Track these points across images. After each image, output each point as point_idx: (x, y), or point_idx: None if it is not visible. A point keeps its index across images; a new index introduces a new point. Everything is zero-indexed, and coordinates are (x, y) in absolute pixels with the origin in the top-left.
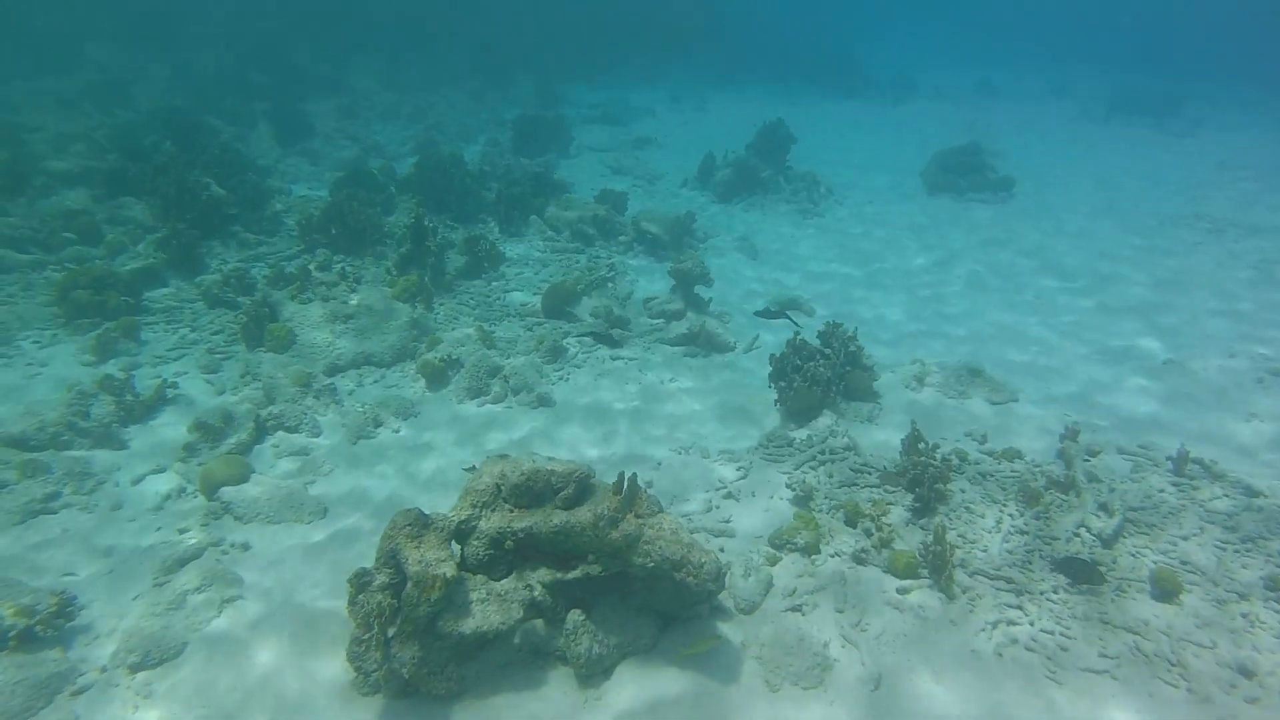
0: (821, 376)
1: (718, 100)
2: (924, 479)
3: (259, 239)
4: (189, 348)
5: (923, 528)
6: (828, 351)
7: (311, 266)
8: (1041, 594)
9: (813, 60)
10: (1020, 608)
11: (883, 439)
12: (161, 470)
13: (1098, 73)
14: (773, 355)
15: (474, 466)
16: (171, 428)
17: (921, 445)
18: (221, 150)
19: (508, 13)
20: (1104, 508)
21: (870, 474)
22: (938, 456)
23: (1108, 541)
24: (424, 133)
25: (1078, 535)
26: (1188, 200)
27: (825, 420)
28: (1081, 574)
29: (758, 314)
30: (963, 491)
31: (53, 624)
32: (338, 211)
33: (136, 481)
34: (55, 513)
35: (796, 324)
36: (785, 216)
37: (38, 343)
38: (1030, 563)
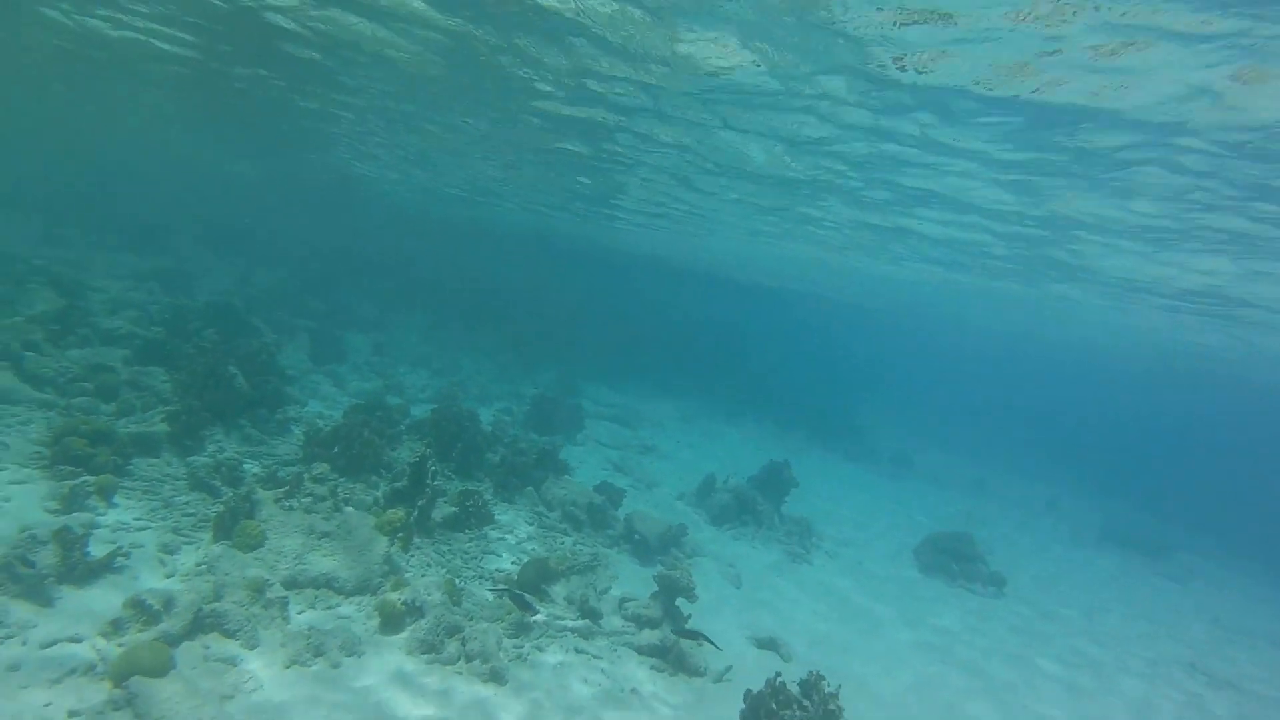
0: None
1: (725, 432)
2: None
3: (262, 438)
4: (156, 523)
5: None
6: (806, 704)
7: (306, 476)
8: None
9: (820, 419)
10: None
11: None
12: (78, 640)
13: (1090, 494)
14: (749, 691)
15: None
16: (107, 599)
17: None
18: (258, 349)
19: (549, 306)
20: None
21: None
22: None
23: None
24: (446, 387)
25: None
26: (1183, 648)
27: None
28: None
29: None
30: None
31: None
32: (345, 432)
33: (47, 645)
34: None
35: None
36: (774, 555)
37: (12, 479)
38: None
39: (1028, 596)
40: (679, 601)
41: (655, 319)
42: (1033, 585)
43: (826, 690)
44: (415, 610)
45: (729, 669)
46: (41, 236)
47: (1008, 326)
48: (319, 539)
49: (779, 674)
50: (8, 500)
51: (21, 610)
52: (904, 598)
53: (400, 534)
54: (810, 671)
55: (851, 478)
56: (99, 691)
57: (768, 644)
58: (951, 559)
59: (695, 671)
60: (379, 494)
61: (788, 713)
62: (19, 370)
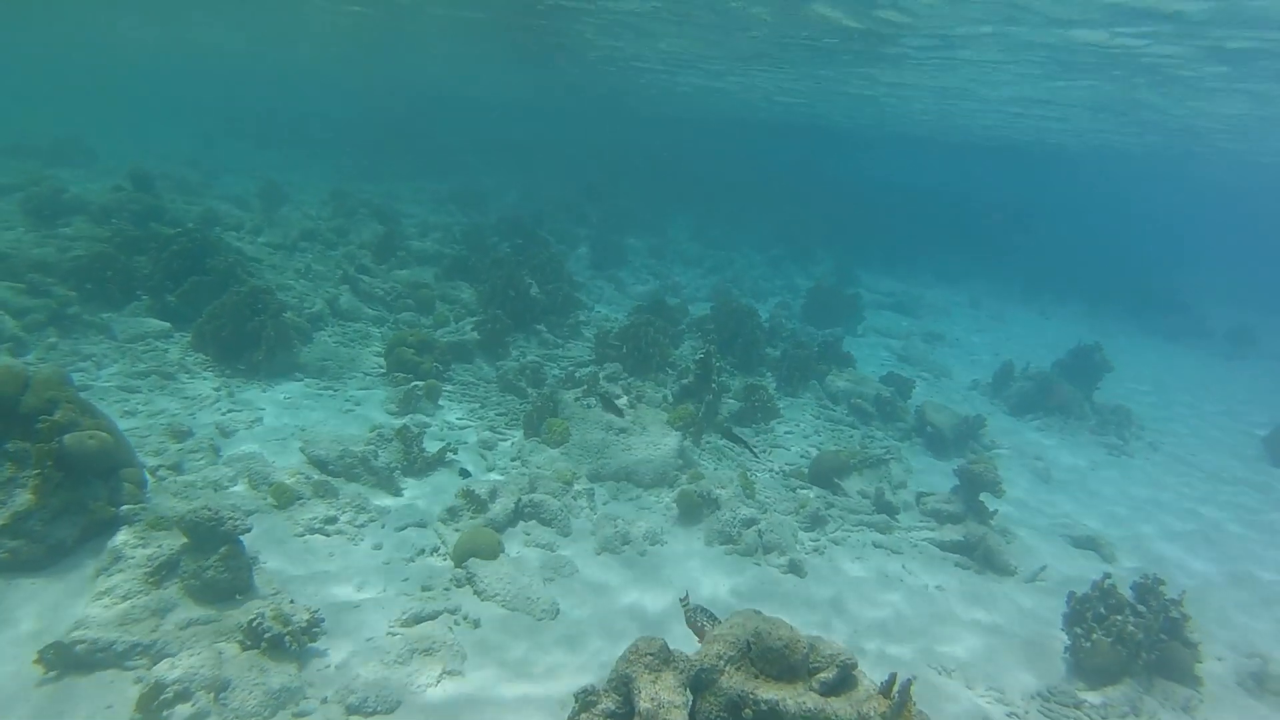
0: (1131, 637)
1: (1019, 315)
2: None
3: (557, 341)
4: (475, 422)
5: None
6: (1142, 610)
7: (600, 375)
8: None
9: (1131, 293)
10: None
11: None
12: (423, 525)
13: None
14: (1073, 594)
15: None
16: (441, 489)
17: None
18: (548, 259)
19: (817, 195)
20: None
21: None
22: None
23: None
24: (720, 283)
25: None
26: None
27: (1124, 690)
28: None
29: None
30: None
31: (299, 638)
32: (633, 332)
33: (400, 528)
34: (328, 535)
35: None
36: (1086, 447)
37: (360, 385)
38: None
39: None
40: (983, 496)
41: (933, 200)
42: None
43: (1168, 597)
44: (711, 502)
45: (1043, 569)
46: (358, 171)
47: None
48: (616, 434)
49: (1108, 575)
50: (358, 404)
51: (379, 498)
52: (1249, 495)
53: (691, 428)
54: (1145, 574)
55: (1177, 360)
56: (444, 569)
57: (1086, 543)
58: None
59: (1005, 570)
60: (667, 391)
61: (1119, 618)
62: (356, 291)
